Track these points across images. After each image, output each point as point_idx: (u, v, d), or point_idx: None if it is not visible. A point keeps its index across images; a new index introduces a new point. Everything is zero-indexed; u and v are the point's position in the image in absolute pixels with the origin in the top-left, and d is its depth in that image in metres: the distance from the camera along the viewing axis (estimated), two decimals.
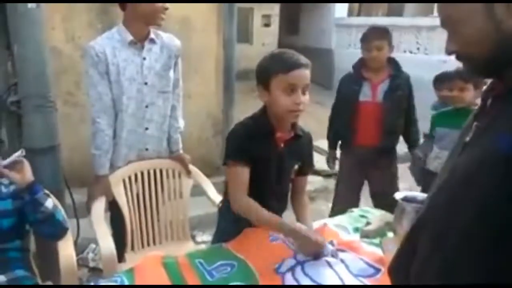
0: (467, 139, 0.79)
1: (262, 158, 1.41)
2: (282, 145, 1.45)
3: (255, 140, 1.39)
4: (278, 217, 1.38)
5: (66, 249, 1.56)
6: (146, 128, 1.99)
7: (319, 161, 3.48)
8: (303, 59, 1.34)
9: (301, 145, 1.52)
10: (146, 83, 1.92)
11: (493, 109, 0.77)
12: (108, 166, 1.93)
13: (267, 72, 1.35)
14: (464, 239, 0.70)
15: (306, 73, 1.33)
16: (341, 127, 2.66)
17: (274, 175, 1.47)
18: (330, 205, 3.67)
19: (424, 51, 7.63)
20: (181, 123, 2.16)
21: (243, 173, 1.39)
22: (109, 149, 1.92)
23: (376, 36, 2.42)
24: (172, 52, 1.99)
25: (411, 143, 2.67)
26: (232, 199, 1.42)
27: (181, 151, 2.15)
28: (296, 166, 1.52)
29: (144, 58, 1.91)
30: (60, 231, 1.59)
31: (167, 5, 1.86)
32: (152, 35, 1.92)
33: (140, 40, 1.89)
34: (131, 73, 1.88)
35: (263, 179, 1.44)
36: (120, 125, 1.94)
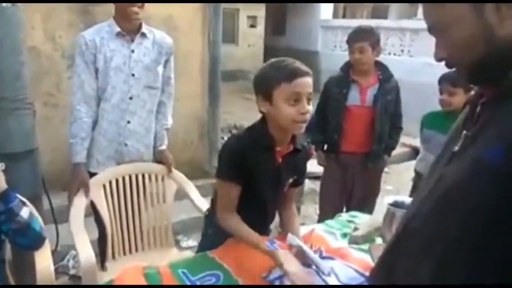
0: (456, 148, 0.77)
1: (259, 173, 1.35)
2: (280, 159, 1.37)
3: (251, 155, 1.31)
4: (257, 237, 1.32)
5: (43, 260, 1.48)
6: (128, 122, 1.97)
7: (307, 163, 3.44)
8: (304, 66, 1.27)
9: (298, 159, 1.45)
10: (133, 75, 1.93)
11: (481, 116, 0.75)
12: (85, 154, 1.90)
13: (268, 82, 1.27)
14: (453, 249, 0.69)
15: (309, 81, 1.25)
16: (328, 131, 2.57)
17: (269, 189, 1.42)
18: (317, 207, 3.67)
19: (409, 53, 7.70)
20: (170, 121, 2.15)
21: (233, 192, 1.35)
22: (86, 137, 1.90)
23: (357, 38, 2.35)
24: (163, 49, 2.02)
25: (387, 150, 2.62)
26: (218, 213, 1.40)
27: (164, 147, 2.12)
28: (291, 180, 1.47)
29: (133, 51, 1.93)
30: (36, 242, 1.51)
31: (136, 7, 1.86)
32: (144, 30, 1.95)
33: (129, 33, 1.92)
34: (118, 63, 1.90)
35: (257, 194, 1.39)
36: (102, 115, 1.94)
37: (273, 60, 1.32)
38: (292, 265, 1.20)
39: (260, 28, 10.68)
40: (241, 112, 6.46)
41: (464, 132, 0.76)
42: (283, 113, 1.25)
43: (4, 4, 1.76)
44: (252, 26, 10.61)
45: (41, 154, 2.12)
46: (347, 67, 2.48)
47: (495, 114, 0.69)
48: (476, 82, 0.79)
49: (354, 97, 2.44)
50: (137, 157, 2.03)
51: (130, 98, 1.94)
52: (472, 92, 0.83)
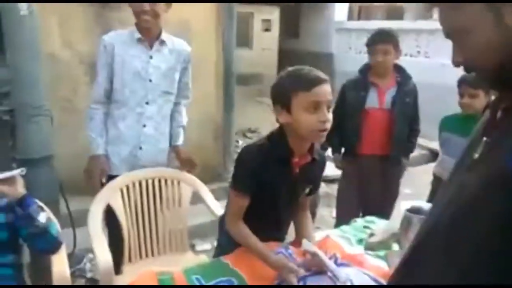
0: (476, 155, 0.74)
1: (275, 184, 1.34)
2: (297, 170, 1.35)
3: (269, 165, 1.30)
4: (266, 250, 1.31)
5: (59, 264, 1.50)
6: (144, 125, 2.00)
7: None
8: (322, 74, 1.25)
9: (315, 169, 1.43)
10: (150, 80, 1.96)
11: (502, 123, 0.72)
12: (104, 147, 1.97)
13: (286, 92, 1.25)
14: (477, 260, 0.66)
15: (328, 88, 1.23)
16: (345, 135, 2.54)
17: (285, 199, 1.40)
18: (332, 210, 3.64)
19: (425, 54, 7.58)
20: (185, 119, 2.20)
21: (244, 202, 1.36)
22: (102, 133, 1.97)
23: (381, 40, 2.33)
24: (181, 56, 2.06)
25: (405, 153, 2.58)
26: (228, 221, 1.40)
27: (179, 143, 2.16)
28: (307, 190, 1.45)
29: (151, 57, 1.97)
30: (53, 246, 1.53)
31: (147, 16, 1.87)
32: (163, 37, 1.99)
33: (148, 40, 1.96)
34: (136, 68, 1.94)
35: (272, 204, 1.38)
36: (120, 118, 1.99)
37: (290, 69, 1.30)
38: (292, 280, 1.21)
39: (274, 31, 10.66)
40: (255, 116, 6.46)
41: (485, 138, 0.74)
42: (303, 123, 1.23)
43: (21, 12, 1.80)
44: (267, 29, 10.59)
45: (58, 159, 2.16)
46: (366, 70, 2.46)
47: None
48: (496, 87, 0.76)
49: (372, 100, 2.41)
50: (152, 160, 2.05)
51: (147, 103, 1.98)
52: (493, 95, 0.81)
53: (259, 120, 6.15)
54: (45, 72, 2.09)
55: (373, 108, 2.41)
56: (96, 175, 1.93)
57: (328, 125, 1.24)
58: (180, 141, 2.16)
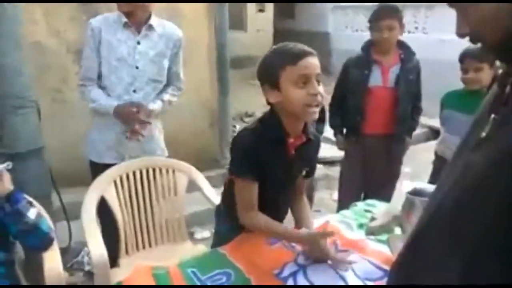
0: (483, 134, 0.69)
1: (271, 167, 1.29)
2: (293, 151, 1.32)
3: (264, 148, 1.26)
4: (293, 231, 1.29)
5: (51, 261, 1.46)
6: None
7: (321, 148, 3.36)
8: (308, 47, 1.21)
9: (310, 149, 1.40)
10: (137, 67, 1.90)
11: (511, 98, 0.66)
12: (115, 102, 1.87)
13: (273, 69, 1.21)
14: (483, 247, 0.62)
15: (316, 61, 1.20)
16: (348, 115, 2.47)
17: (281, 181, 1.37)
18: (332, 193, 3.60)
19: (423, 30, 7.45)
20: (169, 98, 2.05)
21: (253, 188, 1.29)
22: (105, 94, 1.91)
23: (386, 15, 2.23)
24: (171, 41, 1.98)
25: (408, 132, 2.53)
26: (241, 214, 1.33)
27: (149, 105, 1.94)
28: (304, 172, 1.41)
29: (139, 43, 1.90)
30: (45, 242, 1.48)
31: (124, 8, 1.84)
32: (151, 22, 1.91)
33: (136, 24, 1.89)
34: (122, 54, 1.88)
35: (269, 188, 1.34)
36: None
37: (274, 47, 1.26)
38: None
39: (269, 12, 10.48)
40: (252, 99, 6.36)
41: (493, 115, 0.68)
42: (294, 98, 1.18)
43: None
44: (261, 10, 10.41)
45: (50, 152, 2.09)
46: (368, 47, 2.38)
47: None
48: (505, 59, 0.70)
49: (376, 78, 2.35)
50: (138, 148, 2.00)
51: (134, 91, 1.92)
52: (499, 69, 0.74)
53: (256, 103, 6.05)
54: (31, 61, 2.02)
55: (377, 87, 2.35)
56: (132, 118, 1.83)
57: (320, 99, 1.20)
58: (152, 106, 1.97)
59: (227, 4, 3.54)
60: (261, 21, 10.43)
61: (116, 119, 1.88)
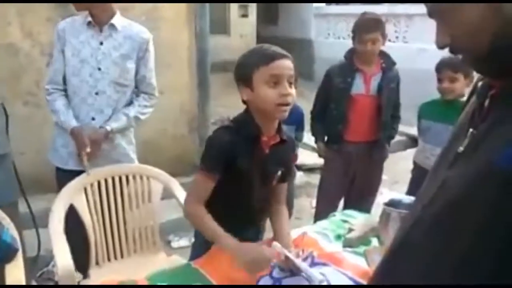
0: (461, 148, 0.67)
1: (246, 164, 1.31)
2: (267, 150, 1.34)
3: (238, 146, 1.29)
4: (223, 233, 1.25)
5: (14, 274, 1.38)
6: (93, 118, 1.88)
7: (301, 155, 3.33)
8: (282, 50, 1.27)
9: (285, 151, 1.42)
10: (99, 69, 1.85)
11: (491, 112, 0.65)
12: (74, 120, 1.85)
13: (247, 68, 1.27)
14: (462, 267, 0.61)
15: (289, 63, 1.25)
16: (330, 122, 2.48)
17: (257, 181, 1.37)
18: (312, 200, 3.58)
19: (403, 40, 7.56)
20: (135, 112, 1.94)
21: (210, 185, 1.32)
22: (69, 109, 1.88)
23: (370, 29, 2.25)
24: (136, 43, 1.90)
25: (386, 139, 2.55)
26: (188, 202, 1.36)
27: (108, 128, 1.87)
28: (279, 173, 1.42)
29: (102, 43, 1.86)
30: (7, 254, 1.40)
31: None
32: (114, 21, 1.85)
33: (98, 24, 1.85)
34: (85, 55, 1.84)
35: (244, 189, 1.35)
36: (72, 109, 1.89)
37: (252, 48, 1.33)
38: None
39: (252, 17, 10.49)
40: (235, 104, 6.29)
41: (471, 130, 0.66)
42: (264, 96, 1.24)
43: None
44: (244, 15, 10.41)
45: (21, 157, 2.01)
46: (351, 55, 2.39)
47: (509, 109, 0.60)
48: (486, 71, 0.68)
49: (358, 86, 2.36)
50: (101, 156, 1.91)
51: (96, 93, 1.86)
52: (474, 78, 0.73)
53: (239, 108, 6.00)
54: (3, 64, 1.94)
55: (359, 94, 2.37)
56: (83, 143, 1.79)
57: (290, 99, 1.24)
58: (112, 126, 1.88)
59: (208, 7, 3.50)
60: (244, 26, 10.43)
61: (75, 135, 1.83)
